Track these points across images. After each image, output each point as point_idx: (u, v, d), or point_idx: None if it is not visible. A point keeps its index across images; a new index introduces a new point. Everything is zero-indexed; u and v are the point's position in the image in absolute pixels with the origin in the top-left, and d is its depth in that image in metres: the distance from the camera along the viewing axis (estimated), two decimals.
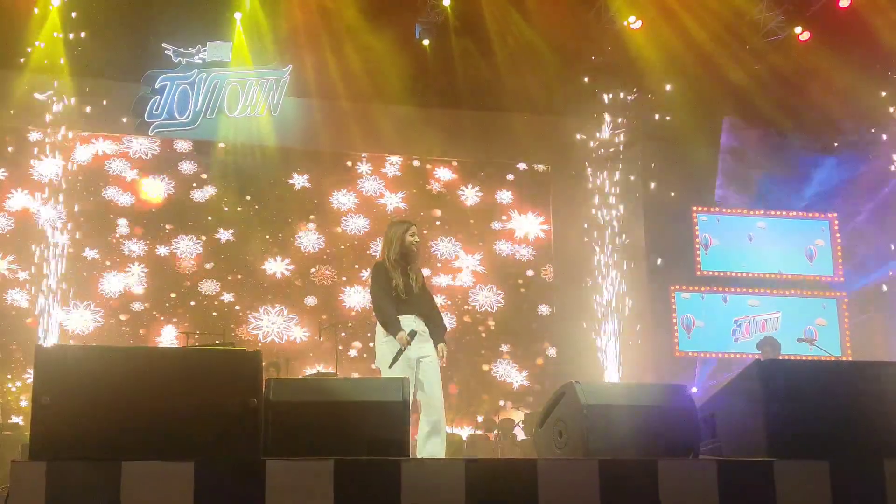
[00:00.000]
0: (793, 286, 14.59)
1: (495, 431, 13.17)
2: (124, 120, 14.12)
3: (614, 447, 5.12)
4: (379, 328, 7.00)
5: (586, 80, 14.47)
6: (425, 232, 14.14)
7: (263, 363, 5.14)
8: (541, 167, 15.51)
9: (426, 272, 10.91)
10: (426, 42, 14.05)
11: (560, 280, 15.07)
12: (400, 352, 6.72)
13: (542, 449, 5.58)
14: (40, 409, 4.56)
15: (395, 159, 15.20)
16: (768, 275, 14.51)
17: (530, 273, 15.15)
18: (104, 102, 13.96)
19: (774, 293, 14.49)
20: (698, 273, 14.33)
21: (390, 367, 6.73)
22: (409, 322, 6.94)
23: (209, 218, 14.26)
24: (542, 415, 5.60)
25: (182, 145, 14.46)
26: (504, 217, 15.26)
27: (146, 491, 4.49)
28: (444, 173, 15.27)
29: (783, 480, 5.03)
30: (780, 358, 10.14)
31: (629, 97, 14.51)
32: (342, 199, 14.82)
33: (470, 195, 15.21)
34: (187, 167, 14.44)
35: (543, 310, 15.03)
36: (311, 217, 14.67)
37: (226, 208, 14.35)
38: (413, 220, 7.92)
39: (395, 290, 6.97)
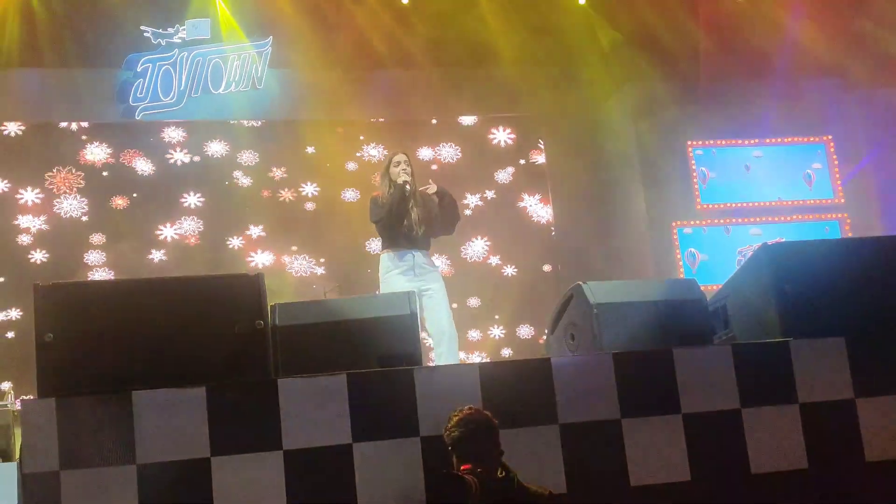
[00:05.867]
0: (794, 212, 14.49)
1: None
2: (108, 106, 13.86)
3: (626, 345, 5.05)
4: (382, 262, 6.92)
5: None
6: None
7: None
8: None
9: None
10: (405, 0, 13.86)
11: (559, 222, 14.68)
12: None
13: (554, 354, 5.52)
14: (44, 347, 4.50)
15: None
16: (768, 203, 14.40)
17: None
18: (87, 90, 13.78)
19: (776, 220, 14.38)
20: (698, 207, 14.22)
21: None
22: (407, 258, 6.87)
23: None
24: (553, 321, 5.54)
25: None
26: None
27: (160, 418, 4.45)
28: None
29: (800, 358, 4.98)
30: None
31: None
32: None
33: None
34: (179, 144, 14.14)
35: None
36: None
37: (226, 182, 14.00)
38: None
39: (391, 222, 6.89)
